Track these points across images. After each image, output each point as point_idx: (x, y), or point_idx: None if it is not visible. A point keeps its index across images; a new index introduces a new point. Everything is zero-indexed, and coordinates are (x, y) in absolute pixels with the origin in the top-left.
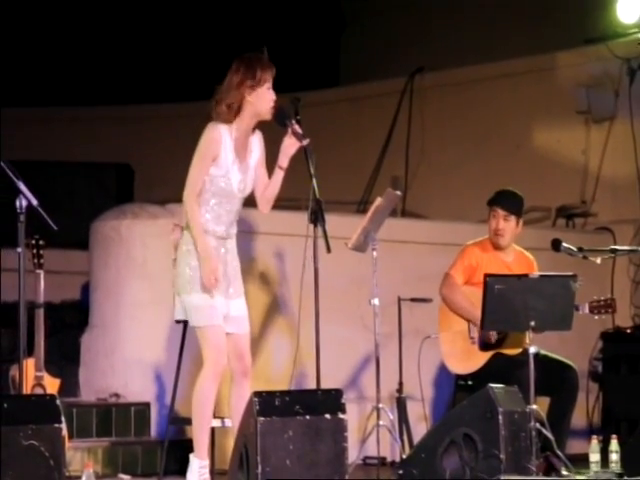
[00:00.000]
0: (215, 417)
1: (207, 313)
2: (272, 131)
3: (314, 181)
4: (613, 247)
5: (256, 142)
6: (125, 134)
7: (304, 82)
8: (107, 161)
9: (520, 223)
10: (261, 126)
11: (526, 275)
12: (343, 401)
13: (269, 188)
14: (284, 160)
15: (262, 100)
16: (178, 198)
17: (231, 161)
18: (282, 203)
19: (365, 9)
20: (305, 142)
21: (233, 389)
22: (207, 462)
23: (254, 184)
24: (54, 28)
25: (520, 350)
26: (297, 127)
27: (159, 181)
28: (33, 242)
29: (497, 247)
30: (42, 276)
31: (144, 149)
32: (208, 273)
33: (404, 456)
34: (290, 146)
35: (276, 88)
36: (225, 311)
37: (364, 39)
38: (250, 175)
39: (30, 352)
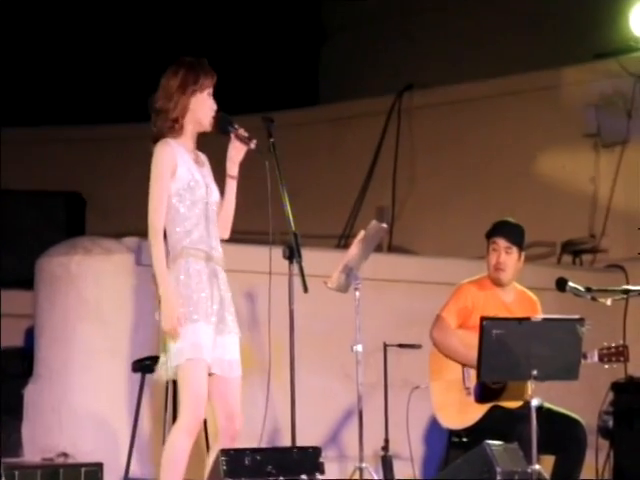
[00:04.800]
0: None
1: (189, 347)
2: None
3: (283, 192)
4: (625, 287)
5: (205, 158)
6: (76, 159)
7: (279, 100)
8: (55, 189)
9: (522, 257)
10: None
11: (528, 318)
12: (322, 460)
13: (224, 205)
14: (233, 168)
15: (203, 107)
16: (135, 231)
17: (191, 168)
18: (253, 237)
19: (347, 20)
20: (253, 144)
21: (215, 450)
22: None
23: None
24: None
25: (521, 402)
26: (242, 130)
27: (114, 212)
28: None
29: (498, 284)
30: None
31: (97, 176)
32: (169, 316)
33: None
34: (237, 152)
35: (248, 107)
36: (212, 350)
37: (346, 53)
38: (212, 180)
39: None
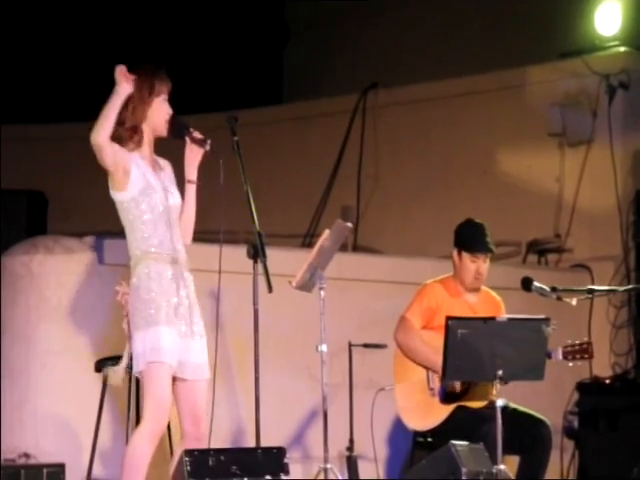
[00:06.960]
0: None
1: (150, 351)
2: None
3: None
4: (591, 287)
5: (166, 163)
6: (38, 157)
7: (243, 99)
8: (16, 188)
9: None
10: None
11: (493, 318)
12: (286, 461)
13: (185, 210)
14: (192, 172)
15: (158, 112)
16: (97, 230)
17: (146, 173)
18: (217, 236)
19: (311, 18)
20: (208, 146)
21: (179, 453)
22: None
23: None
24: None
25: (486, 403)
26: (197, 133)
27: (76, 211)
28: None
29: (473, 290)
30: None
31: (59, 174)
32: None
33: None
34: (195, 155)
35: (212, 105)
36: (177, 354)
37: (311, 51)
38: (173, 184)
39: None
